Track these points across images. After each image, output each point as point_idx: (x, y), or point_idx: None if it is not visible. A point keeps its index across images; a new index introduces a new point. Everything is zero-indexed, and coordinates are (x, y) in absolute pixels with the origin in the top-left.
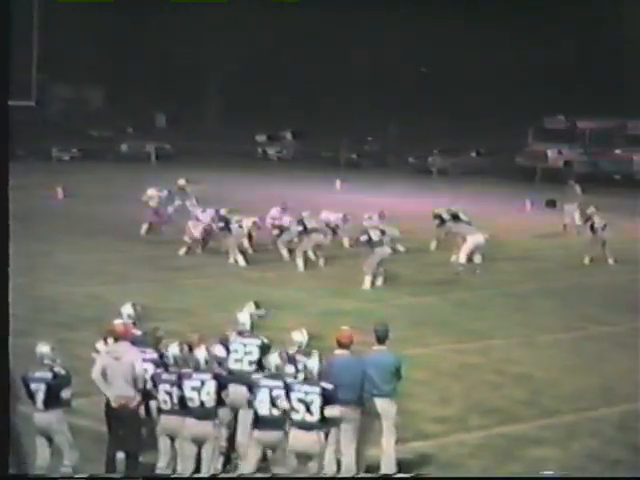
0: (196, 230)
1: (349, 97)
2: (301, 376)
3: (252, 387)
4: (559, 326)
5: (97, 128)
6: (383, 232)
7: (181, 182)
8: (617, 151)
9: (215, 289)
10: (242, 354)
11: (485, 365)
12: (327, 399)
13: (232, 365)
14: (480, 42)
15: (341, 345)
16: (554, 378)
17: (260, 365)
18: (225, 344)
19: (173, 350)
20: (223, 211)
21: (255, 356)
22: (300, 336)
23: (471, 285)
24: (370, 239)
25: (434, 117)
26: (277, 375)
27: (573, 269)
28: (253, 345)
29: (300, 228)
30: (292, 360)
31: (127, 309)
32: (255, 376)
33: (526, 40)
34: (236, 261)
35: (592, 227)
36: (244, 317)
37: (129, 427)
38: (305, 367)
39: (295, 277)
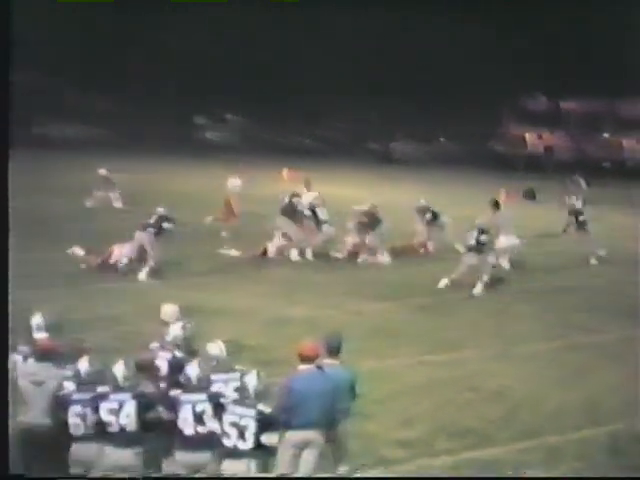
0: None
1: (301, 75)
2: (233, 395)
3: (173, 405)
4: (539, 335)
5: None
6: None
7: (102, 172)
8: (605, 135)
9: (146, 295)
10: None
11: (455, 380)
12: (265, 424)
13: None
14: (450, 13)
15: (304, 359)
16: (534, 394)
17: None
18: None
19: (83, 365)
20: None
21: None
22: (216, 349)
23: (439, 288)
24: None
25: (397, 98)
26: (198, 387)
27: (554, 270)
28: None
29: None
30: (205, 379)
31: (37, 319)
32: (173, 392)
33: (503, 11)
34: None
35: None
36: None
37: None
38: (241, 385)
39: (241, 281)
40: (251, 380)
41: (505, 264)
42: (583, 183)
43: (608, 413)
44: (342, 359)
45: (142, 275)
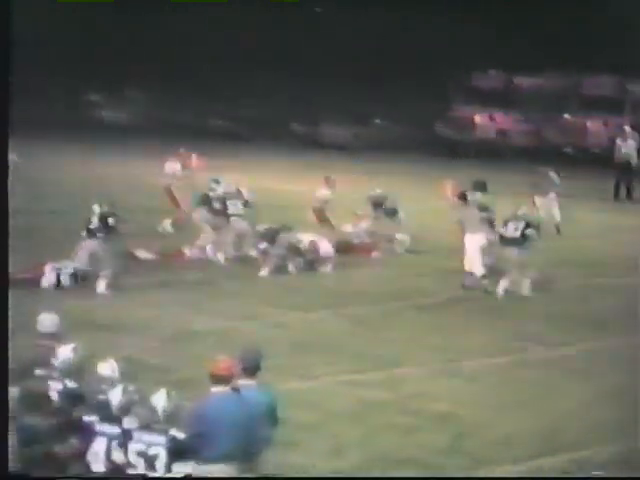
0: None
1: (215, 47)
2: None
3: (84, 434)
4: (489, 348)
5: None
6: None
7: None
8: (567, 116)
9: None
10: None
11: (392, 402)
12: (177, 452)
13: None
14: None
15: (217, 380)
16: (484, 418)
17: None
18: None
19: None
20: None
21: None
22: (108, 370)
23: (373, 296)
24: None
25: (327, 73)
26: (118, 418)
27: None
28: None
29: None
30: (101, 403)
31: None
32: (87, 418)
33: None
34: None
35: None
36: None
37: None
38: (148, 408)
39: (143, 288)
40: (159, 401)
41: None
42: (555, 177)
43: (569, 439)
44: (261, 379)
45: (101, 287)
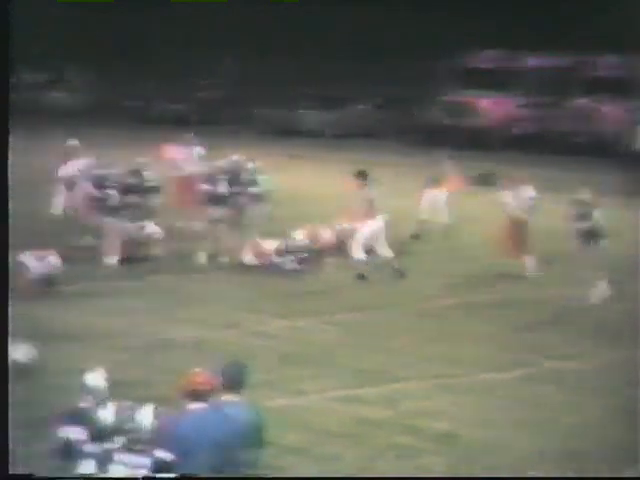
0: None
1: (168, 25)
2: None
3: (70, 454)
4: (496, 361)
5: None
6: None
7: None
8: (578, 101)
9: None
10: None
11: (390, 421)
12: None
13: None
14: None
15: (194, 395)
16: (490, 438)
17: None
18: None
19: None
20: None
21: None
22: (96, 380)
23: (367, 301)
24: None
25: (302, 52)
26: (101, 437)
27: (515, 277)
28: None
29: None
30: (84, 418)
31: None
32: (76, 436)
33: None
34: None
35: None
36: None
37: None
38: (133, 426)
39: (111, 292)
40: (145, 418)
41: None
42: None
43: (584, 460)
44: (244, 395)
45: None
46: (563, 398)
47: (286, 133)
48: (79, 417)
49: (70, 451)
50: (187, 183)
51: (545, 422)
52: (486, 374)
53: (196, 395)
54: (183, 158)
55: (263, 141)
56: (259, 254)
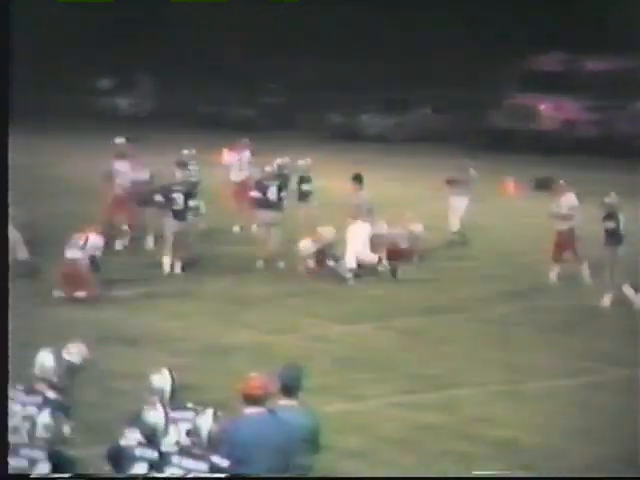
0: None
1: (236, 31)
2: (175, 442)
3: (119, 459)
4: (557, 368)
5: None
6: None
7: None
8: None
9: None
10: None
11: (448, 426)
12: None
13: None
14: None
15: (251, 400)
16: (552, 445)
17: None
18: None
19: None
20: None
21: None
22: (162, 380)
23: (425, 307)
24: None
25: (367, 56)
26: (156, 442)
27: (576, 283)
28: None
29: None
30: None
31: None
32: (125, 442)
33: None
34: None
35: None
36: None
37: None
38: (192, 429)
39: (165, 297)
40: (205, 423)
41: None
42: (475, 176)
43: None
44: (301, 400)
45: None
46: (625, 405)
47: (349, 138)
48: (138, 420)
49: (125, 454)
50: (240, 188)
51: (606, 429)
52: (546, 381)
53: (253, 400)
54: (237, 163)
55: (325, 145)
56: (317, 241)
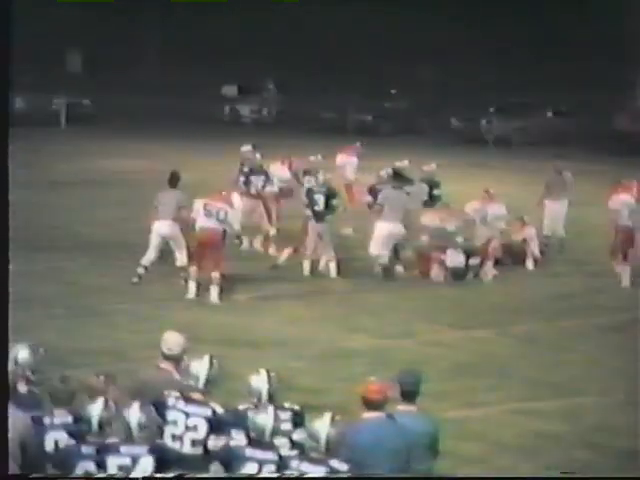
0: None
1: (357, 35)
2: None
3: (230, 461)
4: None
5: None
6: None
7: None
8: None
9: (154, 318)
10: (183, 428)
11: (572, 435)
12: None
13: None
14: None
15: (370, 404)
16: None
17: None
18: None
19: (95, 409)
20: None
21: (201, 434)
22: (261, 382)
23: (548, 312)
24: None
25: (488, 60)
26: (270, 443)
27: None
28: (199, 417)
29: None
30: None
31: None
32: (235, 443)
33: None
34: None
35: None
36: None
37: None
38: (310, 434)
39: (283, 301)
40: (323, 427)
41: None
42: (570, 180)
43: None
44: (420, 405)
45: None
46: None
47: (473, 141)
48: (240, 420)
49: (232, 455)
50: (352, 191)
51: None
52: None
53: (371, 404)
54: (349, 166)
55: (448, 149)
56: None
